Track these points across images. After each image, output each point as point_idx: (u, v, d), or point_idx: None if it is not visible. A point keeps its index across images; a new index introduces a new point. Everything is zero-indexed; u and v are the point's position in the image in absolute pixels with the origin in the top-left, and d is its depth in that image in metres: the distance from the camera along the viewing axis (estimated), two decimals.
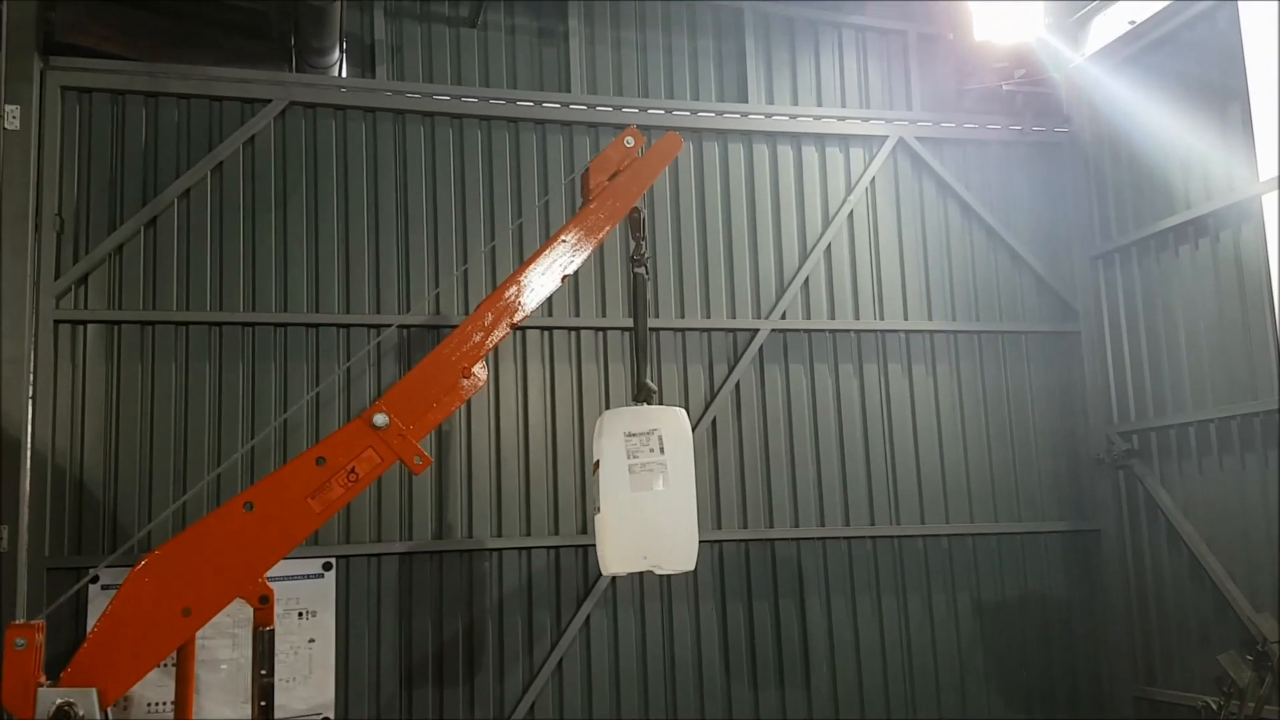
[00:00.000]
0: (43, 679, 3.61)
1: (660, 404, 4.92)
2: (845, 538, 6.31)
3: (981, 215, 6.85)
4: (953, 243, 6.82)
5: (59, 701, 3.53)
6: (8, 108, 5.26)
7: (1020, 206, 6.96)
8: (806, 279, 6.52)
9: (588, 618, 5.84)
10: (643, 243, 5.03)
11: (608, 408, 6.08)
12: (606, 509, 4.58)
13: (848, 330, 6.53)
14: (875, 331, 6.58)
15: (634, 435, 4.59)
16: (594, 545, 5.67)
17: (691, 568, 4.64)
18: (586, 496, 5.95)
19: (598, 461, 4.68)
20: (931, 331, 6.67)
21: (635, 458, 4.56)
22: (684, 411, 4.76)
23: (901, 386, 6.57)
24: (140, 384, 5.47)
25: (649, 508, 4.54)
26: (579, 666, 5.81)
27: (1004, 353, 6.80)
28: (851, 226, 6.66)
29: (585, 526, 5.92)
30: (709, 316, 6.34)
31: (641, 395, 4.87)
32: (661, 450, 4.58)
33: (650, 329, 5.06)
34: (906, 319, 6.65)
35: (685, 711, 5.90)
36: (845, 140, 6.73)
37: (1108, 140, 6.77)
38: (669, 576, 5.76)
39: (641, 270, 4.99)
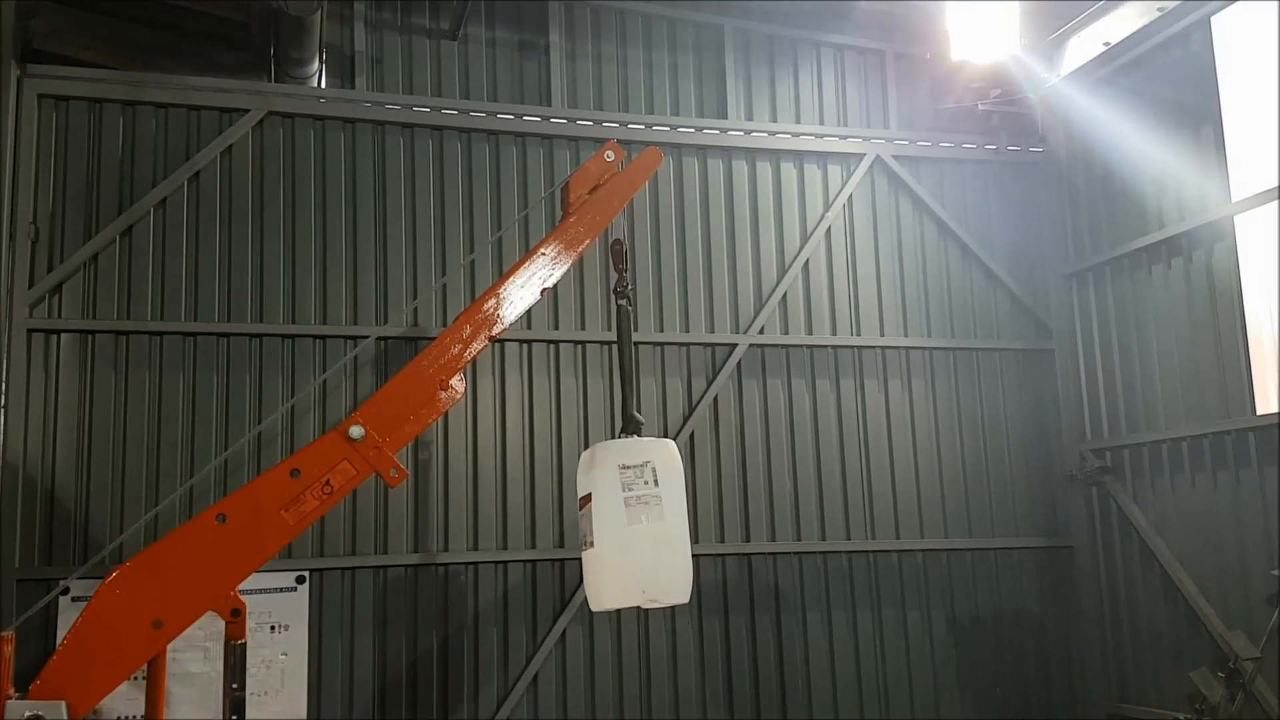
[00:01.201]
0: (11, 691, 3.57)
1: (644, 433, 4.91)
2: (821, 552, 6.33)
3: (957, 233, 6.91)
4: (929, 260, 6.87)
5: (28, 714, 3.48)
6: None
7: (995, 225, 7.03)
8: (784, 295, 6.55)
9: (564, 632, 5.82)
10: (625, 274, 5.04)
11: (586, 421, 6.09)
12: (601, 543, 4.52)
13: (825, 346, 6.57)
14: (852, 347, 6.61)
15: (628, 468, 4.57)
16: (572, 559, 5.71)
17: (687, 600, 4.62)
18: (565, 510, 5.94)
19: (587, 495, 4.63)
20: (907, 348, 6.71)
21: (630, 490, 4.54)
22: (674, 443, 4.76)
23: (878, 402, 6.61)
24: (114, 394, 5.42)
25: (646, 541, 4.51)
26: (554, 681, 5.79)
27: (979, 370, 6.85)
28: (829, 243, 6.70)
29: (563, 540, 5.91)
30: (687, 331, 6.36)
31: (630, 428, 4.86)
32: (656, 482, 4.57)
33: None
34: (883, 335, 6.69)
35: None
36: (823, 157, 6.78)
37: (1082, 160, 6.85)
38: None
39: (624, 302, 5.00)
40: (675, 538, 4.57)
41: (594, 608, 4.69)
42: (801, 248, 6.63)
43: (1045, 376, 6.94)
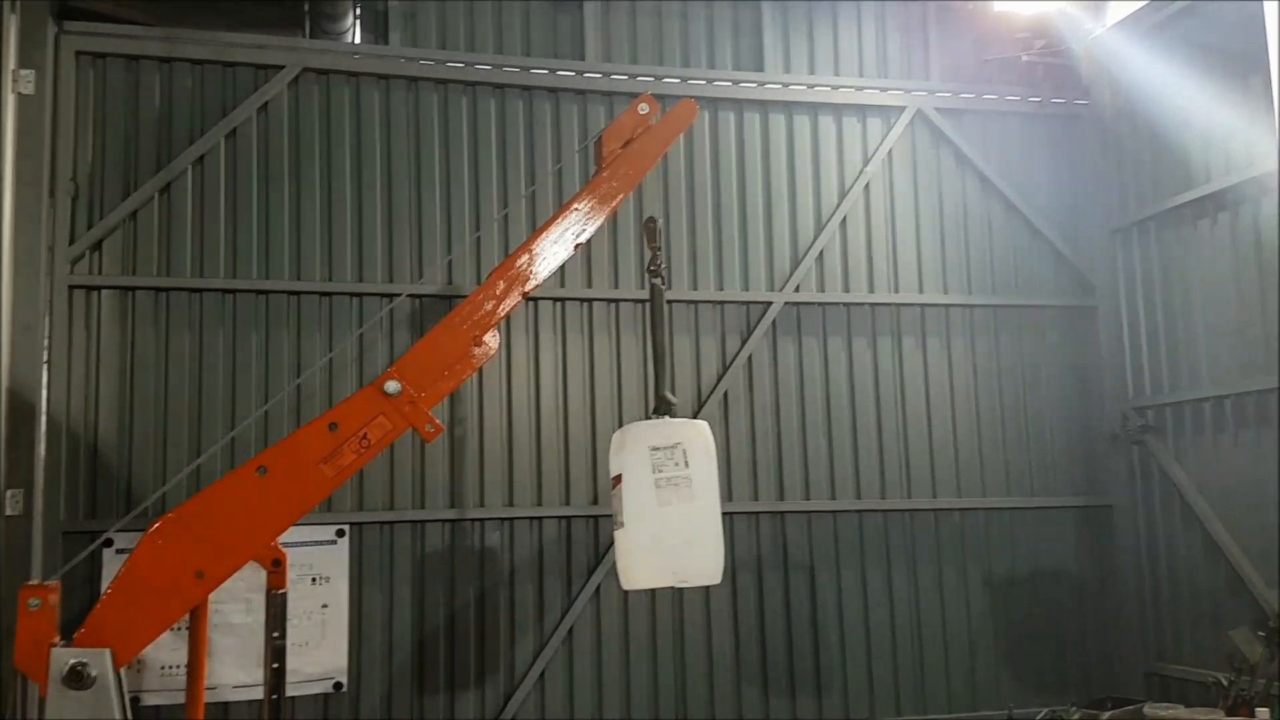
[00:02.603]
0: (56, 639, 3.66)
1: (678, 402, 4.90)
2: (856, 511, 6.30)
3: (1000, 188, 6.79)
4: (970, 216, 6.76)
5: (72, 662, 3.57)
6: (23, 73, 5.26)
7: (1039, 179, 6.90)
8: (821, 251, 6.47)
9: (598, 587, 5.86)
10: (659, 251, 5.00)
11: (619, 380, 6.08)
12: (632, 525, 4.53)
13: (862, 304, 6.50)
14: (890, 305, 6.54)
15: (658, 449, 4.56)
16: (605, 515, 5.73)
17: (718, 581, 4.62)
18: (599, 467, 5.95)
19: (618, 476, 4.63)
20: (947, 305, 6.62)
21: (660, 472, 4.53)
22: (706, 424, 4.73)
23: (916, 360, 6.54)
24: (154, 350, 5.48)
25: (676, 523, 4.51)
26: (589, 634, 5.84)
27: (1020, 327, 6.75)
28: (868, 198, 6.60)
29: (596, 497, 5.93)
30: (722, 289, 6.31)
31: (661, 408, 4.85)
32: (686, 464, 4.55)
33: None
34: (922, 292, 6.61)
35: (694, 680, 5.93)
36: (863, 110, 6.66)
37: (1127, 113, 6.68)
38: None
39: (658, 280, 4.97)
40: (706, 519, 4.57)
41: (625, 586, 4.71)
42: (839, 203, 6.54)
43: (1088, 334, 6.83)
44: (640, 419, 5.97)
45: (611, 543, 5.63)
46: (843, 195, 6.56)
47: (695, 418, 6.02)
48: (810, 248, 6.45)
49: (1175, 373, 6.30)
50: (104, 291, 5.45)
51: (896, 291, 6.56)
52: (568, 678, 5.79)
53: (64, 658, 3.58)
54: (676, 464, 4.53)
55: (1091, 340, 6.82)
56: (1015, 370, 6.71)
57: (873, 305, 6.51)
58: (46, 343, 5.28)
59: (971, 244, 6.73)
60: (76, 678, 3.56)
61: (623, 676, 5.85)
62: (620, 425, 5.95)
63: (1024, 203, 6.82)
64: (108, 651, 3.61)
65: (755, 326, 6.30)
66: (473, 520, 5.79)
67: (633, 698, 5.85)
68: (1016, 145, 6.89)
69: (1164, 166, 6.40)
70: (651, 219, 5.04)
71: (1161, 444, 6.38)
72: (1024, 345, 6.74)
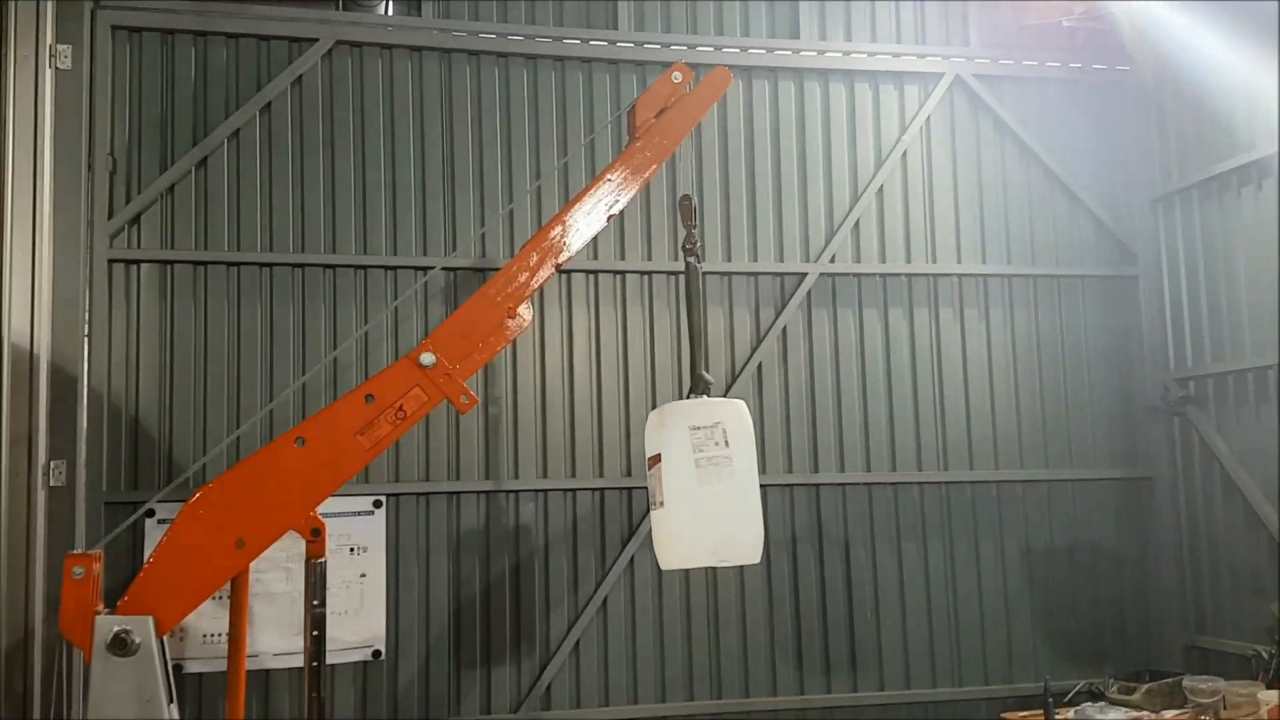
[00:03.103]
0: (100, 607, 3.72)
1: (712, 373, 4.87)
2: (892, 484, 6.27)
3: (1040, 156, 6.67)
4: (1010, 184, 6.65)
5: (116, 629, 3.63)
6: (59, 47, 5.31)
7: (1079, 147, 6.77)
8: (857, 221, 6.40)
9: (632, 558, 5.88)
10: (694, 230, 4.96)
11: (652, 352, 6.07)
12: (672, 505, 4.52)
13: (898, 274, 6.43)
14: (927, 275, 6.46)
15: (698, 429, 4.54)
16: (639, 488, 5.75)
17: (757, 560, 4.61)
18: (633, 440, 5.96)
19: (656, 455, 4.62)
20: (985, 275, 6.54)
21: (700, 451, 4.51)
22: (744, 403, 4.70)
23: (953, 331, 6.47)
24: (193, 323, 5.54)
25: (717, 502, 4.50)
26: (624, 604, 5.87)
27: (1059, 297, 6.66)
28: (905, 167, 6.52)
29: (630, 469, 5.94)
30: (756, 260, 6.27)
31: (699, 388, 4.83)
32: (726, 444, 4.52)
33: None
34: (960, 262, 6.52)
35: (728, 651, 5.95)
36: (900, 78, 6.56)
37: (1170, 79, 6.54)
38: None
39: (693, 259, 4.93)
40: (746, 499, 4.55)
41: (664, 566, 4.72)
42: (876, 172, 6.46)
43: (1128, 304, 6.72)
44: (673, 392, 5.99)
45: (645, 515, 5.67)
46: (879, 164, 6.48)
47: (728, 390, 6.06)
48: (846, 218, 6.38)
49: (1217, 343, 6.20)
50: (143, 265, 5.51)
51: (934, 261, 6.48)
52: (602, 649, 5.82)
53: (108, 625, 3.64)
54: (716, 443, 4.51)
55: (1132, 310, 6.72)
56: (1054, 341, 6.62)
57: (909, 276, 6.44)
58: (87, 316, 5.35)
59: (1011, 213, 6.63)
60: (120, 644, 3.62)
61: (657, 648, 5.88)
62: (654, 398, 5.99)
63: (1064, 171, 6.70)
64: (151, 619, 3.67)
65: (790, 298, 6.26)
66: (507, 492, 5.82)
67: (667, 670, 5.87)
68: (1056, 112, 6.76)
69: (1207, 133, 6.26)
70: (687, 197, 5.00)
71: (1203, 415, 6.29)
72: (1063, 316, 6.65)
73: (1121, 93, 6.84)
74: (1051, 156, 6.69)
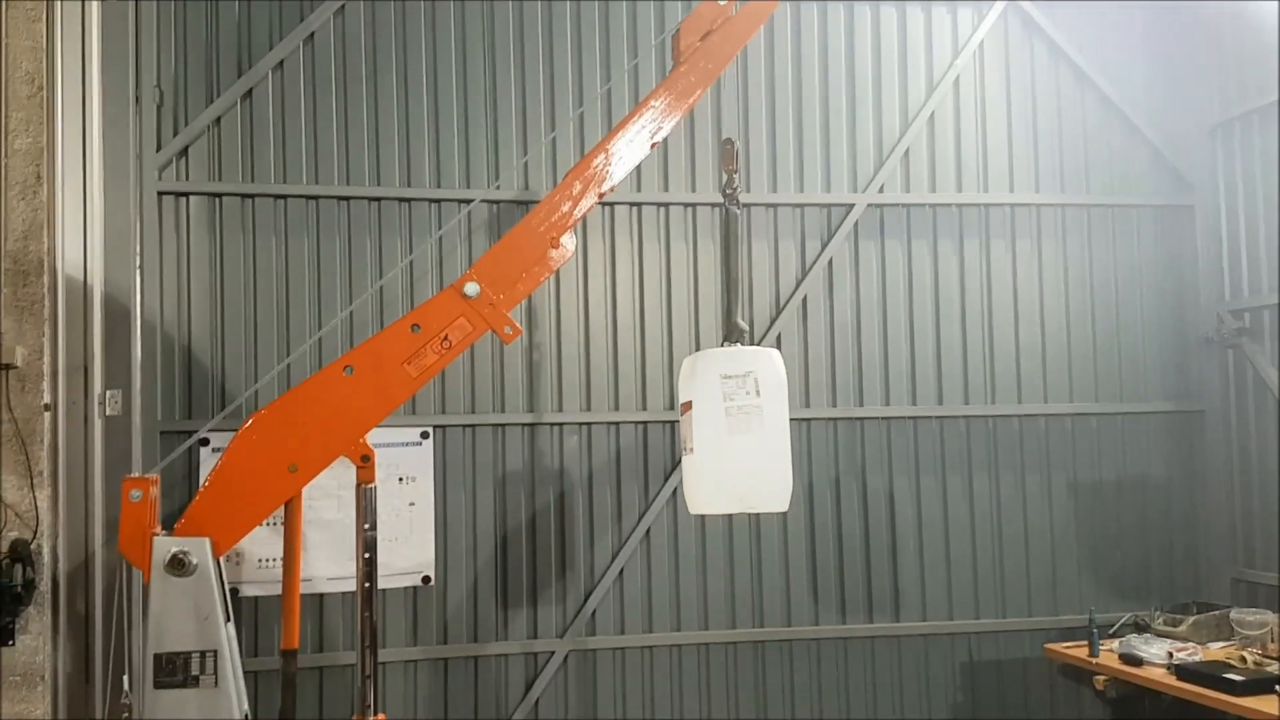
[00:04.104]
0: (158, 529, 3.82)
1: (749, 338, 4.83)
2: (938, 417, 6.22)
3: (1095, 81, 6.48)
4: (1064, 111, 6.47)
5: (174, 550, 3.73)
6: None
7: (1135, 73, 6.56)
8: (907, 150, 6.27)
9: (675, 490, 5.91)
10: (735, 175, 4.88)
11: (696, 285, 6.03)
12: (701, 451, 4.52)
13: (949, 204, 6.31)
14: (978, 205, 6.33)
15: (730, 378, 4.51)
16: (680, 422, 5.75)
17: (786, 509, 4.61)
18: (675, 373, 5.96)
19: (688, 402, 4.61)
20: (1038, 205, 6.40)
21: (731, 400, 4.49)
22: (778, 353, 4.65)
23: (1004, 262, 6.36)
24: (242, 255, 5.60)
25: (746, 451, 4.48)
26: (666, 536, 5.93)
27: (1113, 227, 6.51)
28: (957, 94, 6.36)
29: (672, 403, 5.95)
30: (802, 191, 6.18)
31: (734, 336, 4.79)
32: (758, 393, 4.50)
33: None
34: (1012, 192, 6.38)
35: (770, 581, 6.00)
36: (953, 3, 6.37)
37: (1230, 1, 6.29)
38: None
39: (733, 205, 4.86)
40: (775, 448, 4.53)
41: (692, 511, 4.73)
42: (927, 100, 6.31)
43: (1184, 234, 6.56)
44: (716, 325, 5.97)
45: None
46: (930, 91, 6.32)
47: (773, 324, 6.02)
48: (895, 146, 6.26)
49: (1274, 273, 6.03)
50: (192, 198, 5.56)
51: (985, 191, 6.35)
52: (646, 578, 5.90)
53: (166, 546, 3.74)
54: (748, 393, 4.49)
55: (1188, 240, 6.56)
56: (1107, 272, 6.49)
57: (960, 206, 6.32)
58: (138, 248, 5.43)
59: (1065, 141, 6.47)
60: (178, 565, 3.72)
61: (700, 577, 5.94)
62: (698, 331, 5.98)
63: (1120, 97, 6.51)
64: (207, 540, 3.77)
65: (836, 229, 6.17)
66: (551, 425, 5.87)
67: (710, 599, 5.94)
68: (1112, 37, 6.54)
69: (1268, 57, 6.02)
70: (729, 140, 4.91)
71: (1257, 347, 6.15)
72: (1117, 246, 6.51)
73: (1179, 17, 6.60)
74: (1107, 82, 6.49)
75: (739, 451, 4.48)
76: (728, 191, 4.87)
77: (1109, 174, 6.52)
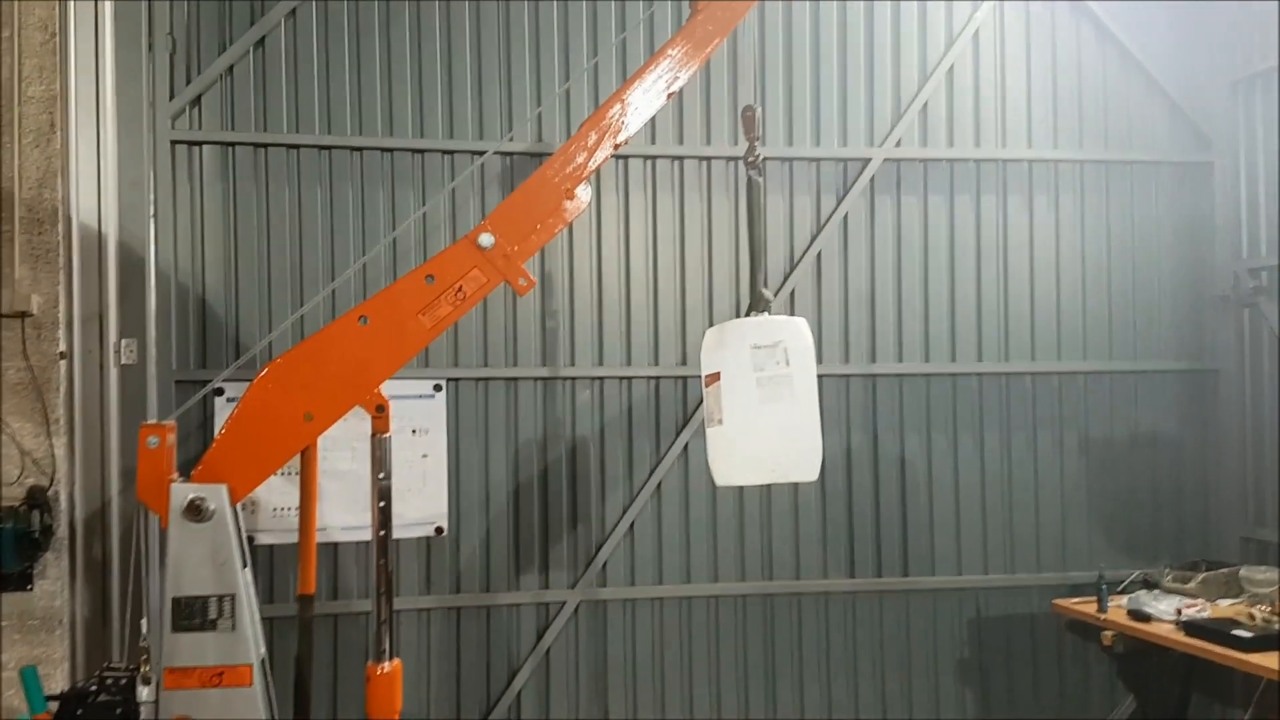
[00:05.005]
0: (175, 475, 3.85)
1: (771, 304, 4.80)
2: (950, 374, 6.21)
3: (1116, 36, 6.39)
4: (1084, 65, 6.39)
5: (191, 496, 3.76)
6: None
7: (1156, 26, 6.46)
8: (925, 104, 6.20)
9: (686, 445, 5.93)
10: (756, 142, 4.82)
11: (710, 240, 6.00)
12: (731, 423, 4.49)
13: (966, 159, 6.25)
14: (996, 161, 6.27)
15: (760, 348, 4.48)
16: (694, 376, 5.77)
17: (814, 478, 4.60)
18: (688, 329, 5.96)
19: (715, 374, 4.58)
20: (1056, 161, 6.34)
21: (761, 370, 4.46)
22: (805, 321, 4.63)
23: (1021, 218, 6.31)
24: (255, 204, 5.58)
25: (776, 421, 4.47)
26: (678, 489, 5.95)
27: (1132, 184, 6.45)
28: (976, 47, 6.27)
29: (685, 359, 5.96)
30: (818, 144, 6.13)
31: (758, 306, 4.75)
32: (787, 363, 4.47)
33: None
34: (1030, 147, 6.32)
35: (780, 534, 6.03)
36: None
37: None
38: None
39: (755, 173, 4.80)
40: (805, 418, 4.52)
41: (720, 482, 4.72)
42: (946, 53, 6.23)
43: (1202, 191, 6.50)
44: (730, 281, 5.96)
45: (700, 403, 5.69)
46: (950, 44, 6.24)
47: (786, 280, 6.00)
48: (913, 100, 6.19)
49: None
50: (205, 147, 5.54)
51: (1004, 146, 6.29)
52: (656, 530, 5.93)
53: (183, 492, 3.77)
54: (777, 362, 4.47)
55: (1206, 198, 6.50)
56: (1125, 229, 6.44)
57: (978, 161, 6.26)
58: (152, 198, 5.42)
59: (1084, 96, 6.39)
60: (195, 511, 3.75)
61: (710, 530, 5.98)
62: (711, 287, 5.97)
63: (1140, 52, 6.42)
64: (224, 487, 3.79)
65: (852, 184, 6.13)
66: (564, 379, 5.87)
67: (720, 551, 5.98)
68: None
69: None
70: (749, 108, 4.85)
71: (1274, 306, 6.12)
72: (1135, 203, 6.45)
73: None
74: (1128, 37, 6.40)
75: (769, 422, 4.47)
76: (750, 159, 4.82)
77: (1128, 130, 6.45)
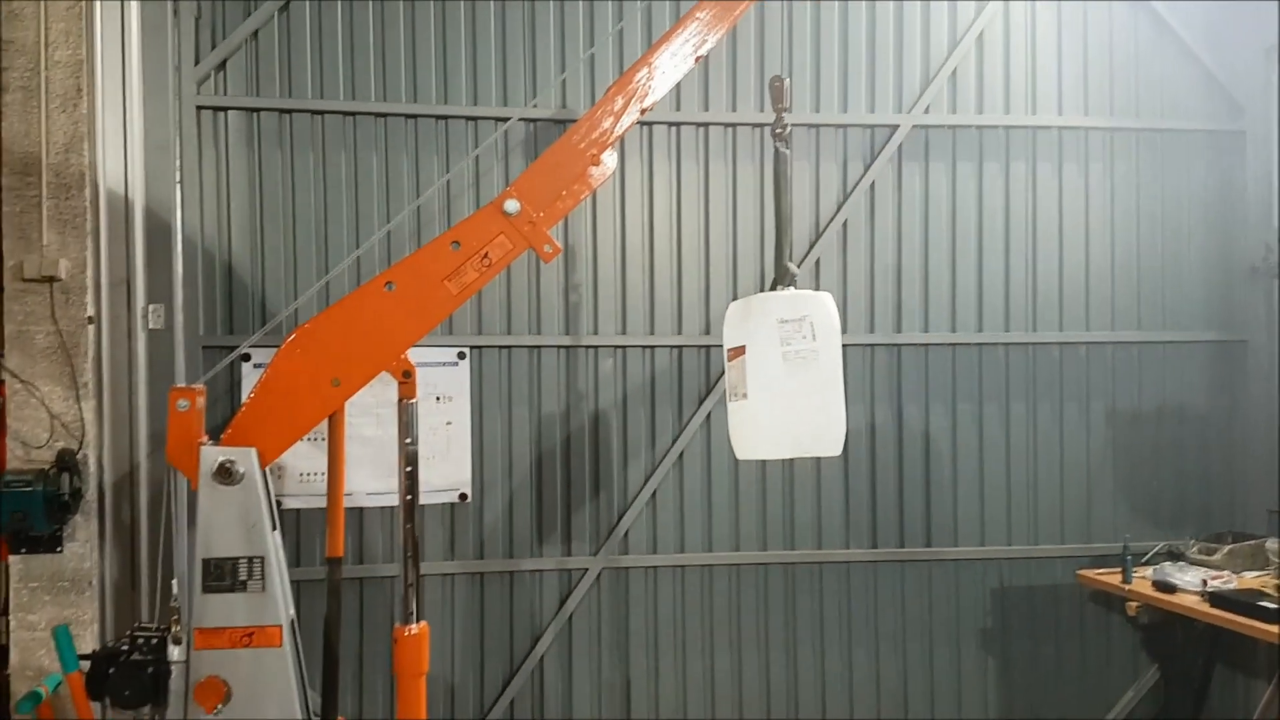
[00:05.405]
0: (204, 439, 3.87)
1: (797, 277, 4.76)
2: (977, 344, 6.17)
3: (1149, 2, 6.29)
4: (1116, 32, 6.29)
5: (221, 459, 3.77)
6: None
7: None
8: (954, 70, 6.12)
9: (709, 414, 5.92)
10: (784, 113, 4.76)
11: (735, 209, 5.96)
12: (756, 397, 4.46)
13: (996, 126, 6.17)
14: (1026, 128, 6.20)
15: (786, 322, 4.44)
16: (716, 346, 5.75)
17: (839, 453, 4.58)
18: (711, 298, 5.93)
19: (740, 347, 4.55)
20: (1087, 128, 6.26)
21: (788, 345, 4.42)
22: (830, 296, 4.58)
23: (1050, 187, 6.24)
24: (280, 171, 5.58)
25: (802, 396, 4.42)
26: (700, 460, 5.95)
27: (1163, 152, 6.36)
28: (1007, 13, 6.18)
29: (709, 328, 5.93)
30: (845, 111, 6.06)
31: (785, 280, 4.71)
32: (814, 337, 4.44)
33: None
34: (1060, 114, 6.24)
35: (802, 500, 6.03)
36: None
37: None
38: None
39: (782, 145, 4.75)
40: (830, 393, 4.47)
41: (741, 456, 4.69)
42: (976, 18, 6.14)
43: (1233, 160, 6.41)
44: (756, 251, 5.93)
45: (722, 372, 5.68)
46: (980, 9, 6.15)
47: (812, 248, 5.96)
48: (943, 66, 6.11)
49: None
50: (230, 112, 5.54)
51: (1033, 114, 6.21)
52: (678, 499, 5.94)
53: (213, 455, 3.78)
54: (804, 337, 4.42)
55: (1237, 166, 6.41)
56: (1155, 198, 6.36)
57: (1007, 128, 6.19)
58: (178, 163, 5.42)
59: (1116, 63, 6.29)
60: (225, 474, 3.77)
61: (732, 499, 5.98)
62: (735, 256, 5.94)
63: (1174, 18, 6.31)
64: (254, 450, 3.80)
65: (880, 151, 6.07)
66: (587, 348, 5.87)
67: (741, 521, 5.99)
68: None
69: None
70: (778, 78, 4.79)
71: None
72: (1166, 171, 6.37)
73: None
74: (1161, 3, 6.30)
75: (795, 397, 4.44)
76: (778, 131, 4.77)
77: (1160, 97, 6.36)
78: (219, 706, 3.73)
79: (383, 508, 5.57)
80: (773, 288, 4.77)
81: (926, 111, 6.11)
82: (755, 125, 5.93)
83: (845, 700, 6.07)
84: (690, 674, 5.94)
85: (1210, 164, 6.41)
